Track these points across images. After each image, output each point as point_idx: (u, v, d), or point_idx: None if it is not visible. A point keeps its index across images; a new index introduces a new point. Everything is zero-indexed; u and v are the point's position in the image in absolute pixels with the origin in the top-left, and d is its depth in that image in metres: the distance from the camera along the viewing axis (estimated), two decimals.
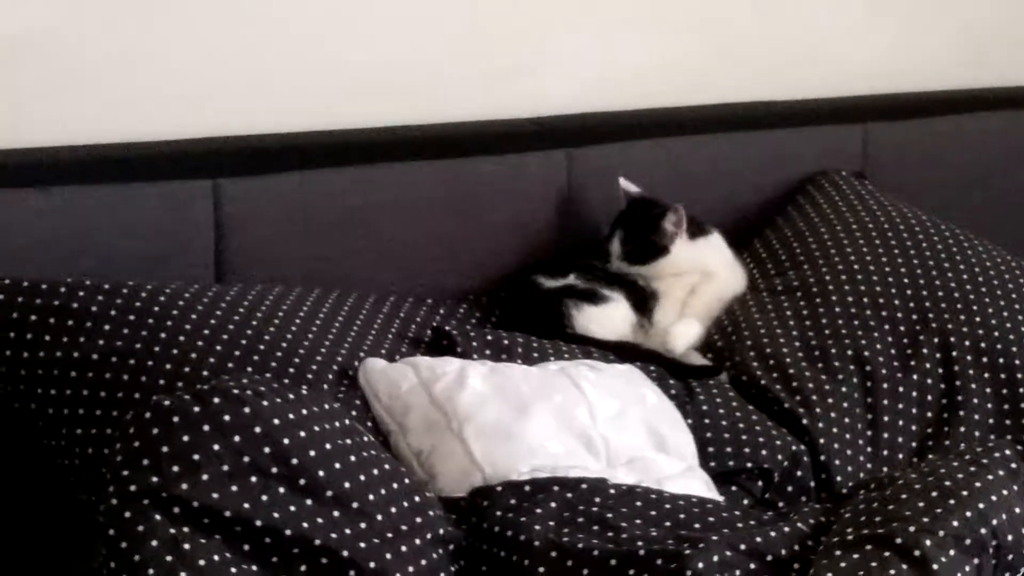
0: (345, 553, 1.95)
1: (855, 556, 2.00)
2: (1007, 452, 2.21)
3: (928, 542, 1.98)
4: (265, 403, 2.02)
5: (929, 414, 2.67)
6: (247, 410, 2.01)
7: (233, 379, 2.09)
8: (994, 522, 2.05)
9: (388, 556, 1.98)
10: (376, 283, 2.80)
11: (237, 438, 1.98)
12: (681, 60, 3.29)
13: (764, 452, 2.50)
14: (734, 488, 2.47)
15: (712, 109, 3.30)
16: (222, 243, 2.67)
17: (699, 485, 2.36)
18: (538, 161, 3.00)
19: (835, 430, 2.60)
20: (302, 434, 2.02)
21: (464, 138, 2.97)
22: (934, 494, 2.09)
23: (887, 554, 1.98)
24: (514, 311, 2.83)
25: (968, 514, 2.04)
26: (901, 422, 2.65)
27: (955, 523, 2.02)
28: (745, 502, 2.45)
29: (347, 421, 2.13)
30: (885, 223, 3.00)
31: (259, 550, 1.94)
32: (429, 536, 2.06)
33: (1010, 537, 2.06)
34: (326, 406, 2.12)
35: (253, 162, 2.72)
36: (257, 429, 1.99)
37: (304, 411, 2.06)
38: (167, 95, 2.71)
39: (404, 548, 2.01)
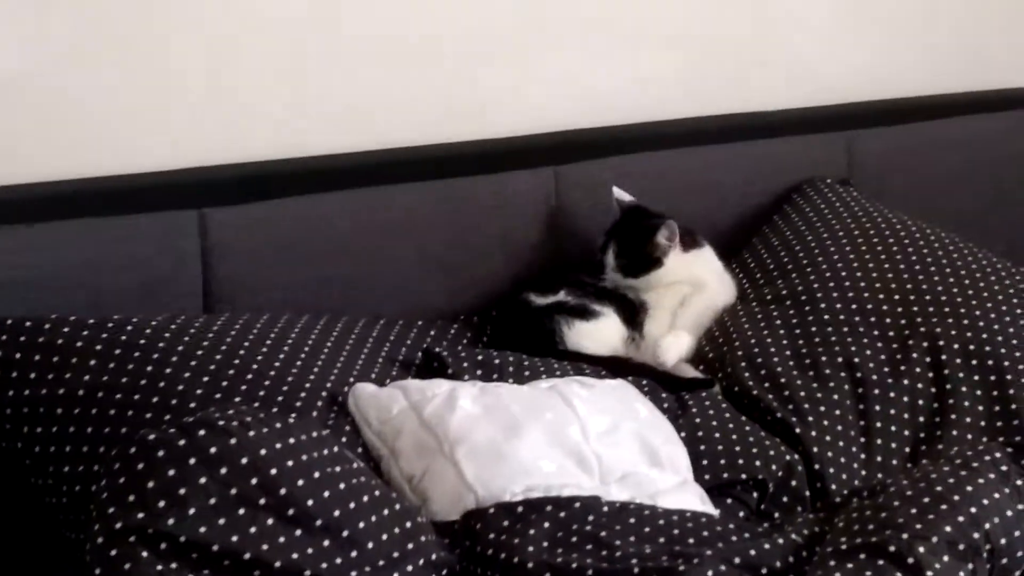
0: None
1: (849, 566, 2.00)
2: (997, 455, 2.21)
3: (921, 549, 1.99)
4: (251, 433, 2.02)
5: (921, 419, 2.65)
6: (233, 441, 2.00)
7: (219, 410, 2.08)
8: (987, 526, 2.05)
9: None
10: (366, 307, 2.80)
11: (224, 470, 1.97)
12: (666, 74, 3.30)
13: (758, 463, 2.48)
14: (729, 500, 2.45)
15: (698, 121, 3.31)
16: (209, 272, 2.66)
17: (693, 499, 2.35)
18: (526, 179, 3.01)
19: (828, 438, 2.59)
20: (290, 463, 2.01)
21: (451, 159, 2.98)
22: (926, 500, 2.09)
23: (881, 562, 1.99)
24: (505, 330, 2.83)
25: (960, 519, 2.05)
26: (893, 428, 2.63)
27: (948, 528, 2.03)
28: (740, 514, 2.43)
29: (336, 448, 2.12)
30: (871, 229, 2.99)
31: None
32: (422, 562, 2.06)
33: (1003, 540, 2.06)
34: (314, 434, 2.11)
35: (238, 190, 2.72)
36: (244, 460, 1.98)
37: (291, 440, 2.05)
38: (150, 127, 2.71)
39: (396, 575, 2.01)
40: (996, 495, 2.10)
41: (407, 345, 2.67)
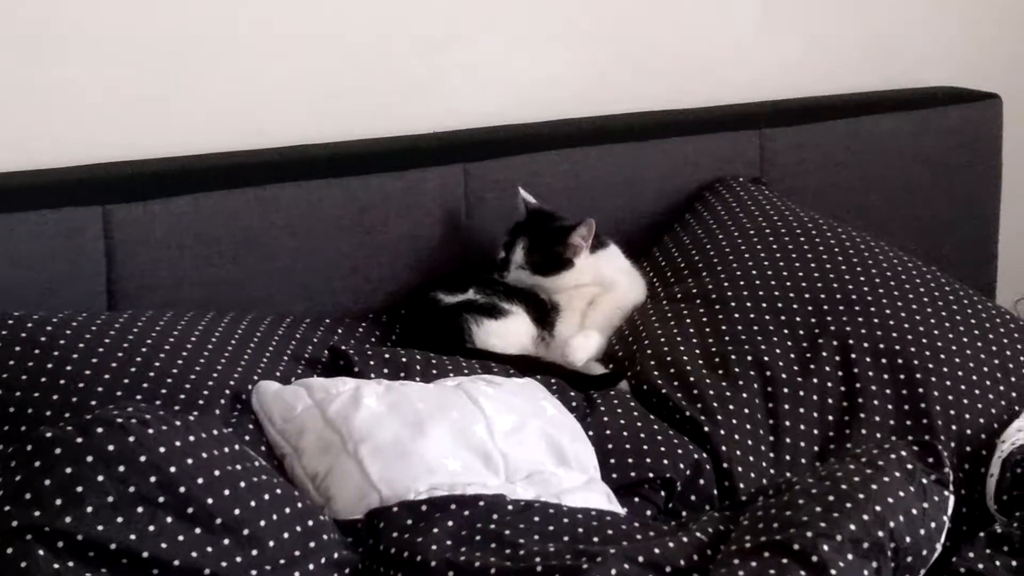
0: None
1: (753, 564, 2.00)
2: (903, 453, 2.22)
3: (825, 547, 1.99)
4: (150, 431, 1.99)
5: (830, 418, 2.65)
6: (131, 439, 1.97)
7: (117, 408, 2.06)
8: (891, 524, 2.06)
9: None
10: (274, 305, 2.77)
11: (122, 468, 1.94)
12: (580, 72, 3.30)
13: (665, 461, 2.47)
14: (637, 499, 2.44)
15: (612, 119, 3.31)
16: (114, 270, 2.63)
17: (599, 498, 2.34)
18: (436, 176, 2.98)
19: (737, 437, 2.59)
20: (189, 461, 1.99)
21: (361, 156, 2.95)
22: (830, 498, 2.09)
23: (785, 560, 1.99)
24: (413, 328, 2.81)
25: (865, 517, 2.05)
26: (802, 427, 2.64)
27: (852, 527, 2.03)
28: (648, 513, 2.43)
29: (237, 447, 2.10)
30: (782, 228, 3.00)
31: None
32: (323, 560, 2.04)
33: (908, 539, 2.07)
34: (215, 432, 2.09)
35: (143, 187, 2.68)
36: (143, 458, 1.96)
37: (191, 438, 2.03)
38: (54, 122, 2.68)
39: (297, 574, 1.99)
40: (901, 493, 2.11)
41: (313, 343, 2.65)
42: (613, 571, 1.98)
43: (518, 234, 2.92)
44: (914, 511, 2.09)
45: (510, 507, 2.17)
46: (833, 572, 1.97)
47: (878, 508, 2.06)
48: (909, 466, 2.19)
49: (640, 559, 2.03)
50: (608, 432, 2.52)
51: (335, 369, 2.54)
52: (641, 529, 2.17)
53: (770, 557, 1.99)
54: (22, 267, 2.54)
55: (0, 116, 2.62)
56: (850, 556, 2.00)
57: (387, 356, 2.57)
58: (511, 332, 2.80)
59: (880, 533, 2.03)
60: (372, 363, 2.54)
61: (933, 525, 2.12)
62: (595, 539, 2.11)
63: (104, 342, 2.36)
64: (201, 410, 2.28)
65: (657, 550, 2.06)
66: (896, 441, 2.31)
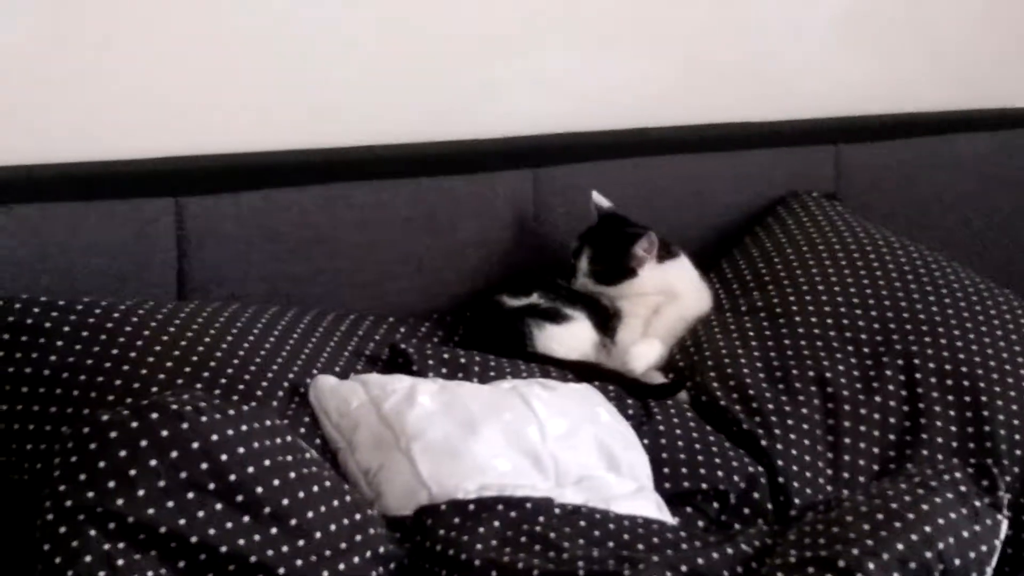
0: (281, 571, 1.96)
1: None
2: (957, 475, 2.19)
3: (871, 565, 1.97)
4: (204, 419, 2.02)
5: (892, 437, 2.63)
6: (185, 426, 2.00)
7: (173, 394, 2.09)
8: (940, 546, 2.03)
9: (325, 574, 1.98)
10: (340, 302, 2.80)
11: (174, 453, 1.98)
12: (653, 81, 3.30)
13: (719, 473, 2.47)
14: (690, 510, 2.44)
15: (684, 130, 3.31)
16: (184, 261, 2.67)
17: (649, 506, 2.34)
18: (505, 180, 3.01)
19: (794, 452, 2.58)
20: (241, 450, 2.01)
21: (431, 157, 2.98)
22: (879, 516, 2.08)
23: None
24: (476, 330, 2.83)
25: (914, 537, 2.03)
26: (863, 445, 2.62)
27: (900, 546, 2.01)
28: (700, 524, 2.42)
29: (290, 438, 2.12)
30: (852, 244, 2.98)
31: (194, 567, 1.94)
32: (369, 554, 2.05)
33: (957, 561, 2.04)
34: (268, 422, 2.12)
35: (216, 180, 2.72)
36: (195, 445, 1.99)
37: (244, 427, 2.05)
38: (129, 115, 2.72)
39: (342, 566, 2.01)
40: (952, 515, 2.09)
41: (375, 341, 2.67)
42: None
43: (585, 242, 2.93)
44: (965, 533, 2.07)
45: (557, 510, 2.18)
46: None
47: (927, 529, 2.04)
48: (962, 488, 2.16)
49: (683, 568, 2.03)
50: (663, 441, 2.52)
51: (394, 367, 2.55)
52: (687, 539, 2.16)
53: (815, 573, 1.98)
54: (95, 255, 2.58)
55: (76, 106, 2.66)
56: (896, 575, 1.98)
57: (446, 356, 2.58)
58: (573, 337, 2.81)
59: (928, 554, 2.01)
60: (431, 362, 2.55)
61: (984, 548, 2.09)
62: (640, 546, 2.11)
63: (168, 331, 2.39)
64: (259, 401, 2.31)
65: (701, 560, 2.06)
66: (950, 463, 2.29)
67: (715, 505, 2.47)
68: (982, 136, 3.55)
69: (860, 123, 3.49)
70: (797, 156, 3.34)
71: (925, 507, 2.10)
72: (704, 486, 2.47)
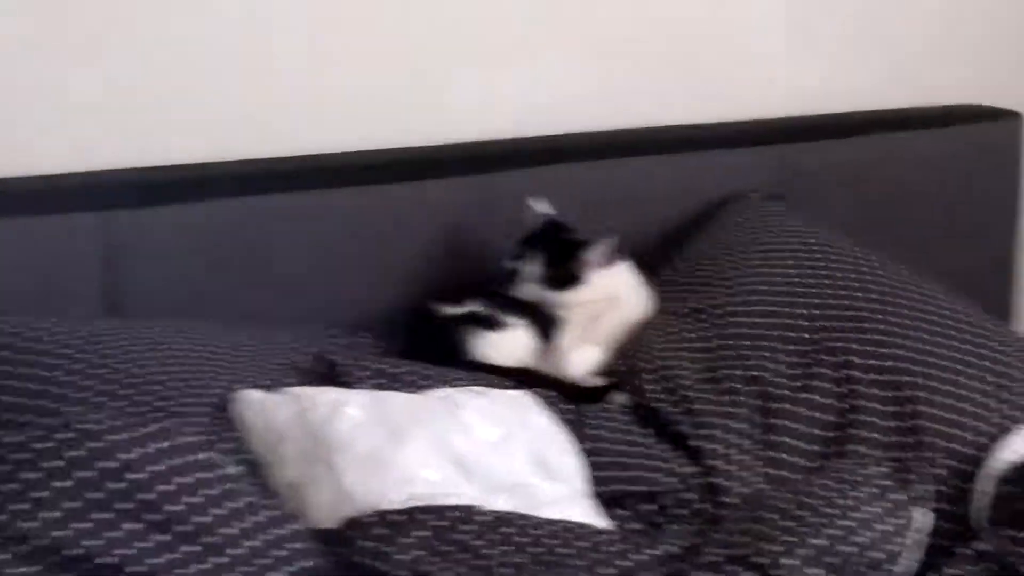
0: None
1: None
2: (878, 469, 2.20)
3: (789, 561, 1.98)
4: (116, 437, 2.01)
5: (826, 433, 2.62)
6: (99, 445, 1.99)
7: (84, 413, 2.08)
8: (858, 540, 2.04)
9: None
10: (275, 315, 2.78)
11: (87, 473, 1.96)
12: (599, 85, 3.28)
13: (654, 475, 2.47)
14: (625, 512, 2.43)
15: (627, 133, 3.29)
16: (110, 277, 2.64)
17: (582, 511, 2.33)
18: (445, 188, 2.99)
19: (731, 452, 2.56)
20: (155, 468, 2.00)
21: (370, 166, 2.96)
22: (799, 512, 2.08)
23: (748, 575, 1.97)
24: (414, 339, 2.81)
25: (833, 532, 2.04)
26: (797, 443, 2.60)
27: (818, 541, 2.02)
28: (635, 526, 2.41)
29: (206, 455, 2.11)
30: (790, 244, 2.98)
31: None
32: (290, 570, 2.04)
33: (876, 554, 2.05)
34: (188, 439, 2.11)
35: (144, 194, 2.70)
36: (107, 464, 1.97)
37: (160, 445, 2.04)
38: (60, 129, 2.70)
39: None
40: (872, 509, 2.10)
41: (306, 353, 2.65)
42: None
43: (531, 247, 2.91)
44: (884, 527, 2.07)
45: (483, 518, 2.16)
46: None
47: (846, 523, 2.05)
48: (882, 483, 2.17)
49: (608, 571, 2.04)
50: (599, 445, 2.51)
51: (324, 379, 2.54)
52: (614, 542, 2.16)
53: (734, 571, 1.98)
54: (18, 271, 2.55)
55: (4, 120, 2.64)
56: (815, 570, 1.98)
57: (378, 366, 2.57)
58: (511, 344, 2.79)
59: (847, 548, 2.02)
60: (363, 373, 2.54)
61: (906, 541, 2.10)
62: (565, 551, 2.10)
63: (88, 348, 2.37)
64: (183, 417, 2.29)
65: (626, 563, 2.06)
66: (869, 458, 2.30)
67: (650, 507, 2.46)
68: (920, 133, 3.54)
69: (804, 123, 3.47)
70: (743, 157, 3.33)
71: (845, 502, 2.12)
72: (637, 488, 2.45)
